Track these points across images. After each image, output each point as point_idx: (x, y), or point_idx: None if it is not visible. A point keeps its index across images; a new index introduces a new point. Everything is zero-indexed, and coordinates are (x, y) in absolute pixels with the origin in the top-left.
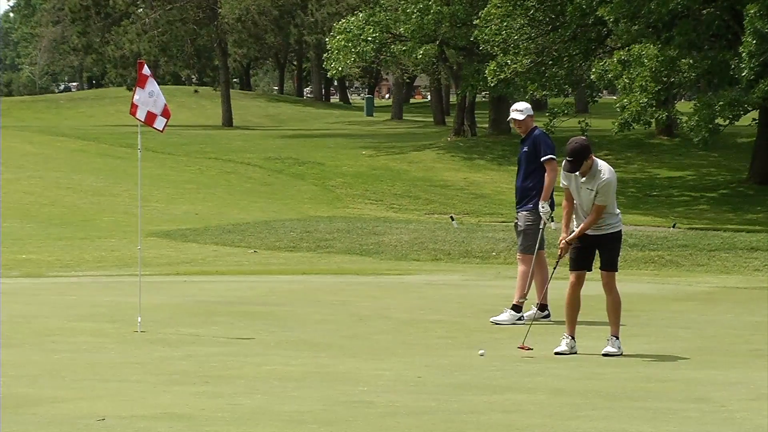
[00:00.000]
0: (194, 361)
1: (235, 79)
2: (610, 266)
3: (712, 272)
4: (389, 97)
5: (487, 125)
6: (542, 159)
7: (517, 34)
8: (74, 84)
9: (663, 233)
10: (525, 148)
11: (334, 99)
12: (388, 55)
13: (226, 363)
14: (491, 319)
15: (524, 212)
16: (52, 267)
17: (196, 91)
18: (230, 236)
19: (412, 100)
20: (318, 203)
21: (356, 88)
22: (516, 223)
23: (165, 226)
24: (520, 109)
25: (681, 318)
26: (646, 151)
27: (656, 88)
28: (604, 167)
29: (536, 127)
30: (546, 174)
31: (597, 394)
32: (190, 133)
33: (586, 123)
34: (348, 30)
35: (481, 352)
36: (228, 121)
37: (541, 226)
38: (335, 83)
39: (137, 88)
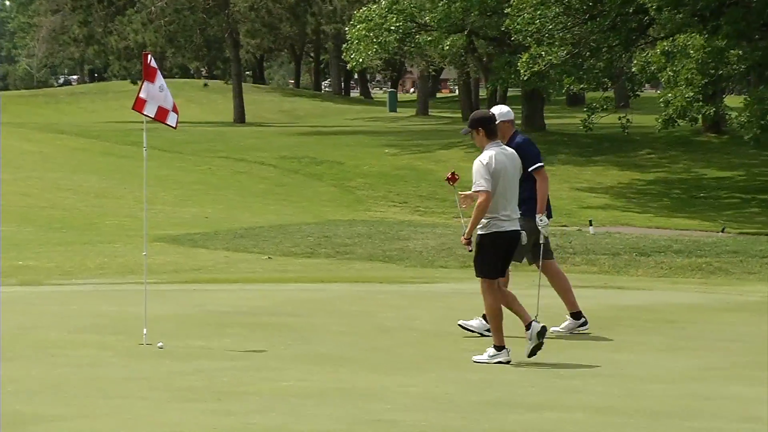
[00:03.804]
0: (204, 376)
1: (247, 72)
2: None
3: (764, 280)
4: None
5: (519, 121)
6: (530, 169)
7: (551, 24)
8: (75, 77)
9: (711, 238)
10: None
11: (355, 93)
12: (413, 45)
13: (239, 378)
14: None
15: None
16: (52, 274)
17: (205, 84)
18: (242, 241)
19: (438, 95)
20: (337, 206)
21: (378, 81)
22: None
23: (172, 231)
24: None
25: (731, 330)
26: (692, 150)
27: (703, 82)
28: (487, 151)
29: (517, 132)
30: (538, 184)
31: (641, 412)
32: (199, 130)
33: (627, 119)
34: (369, 19)
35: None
36: (240, 117)
37: (542, 241)
38: (355, 76)
39: (145, 82)
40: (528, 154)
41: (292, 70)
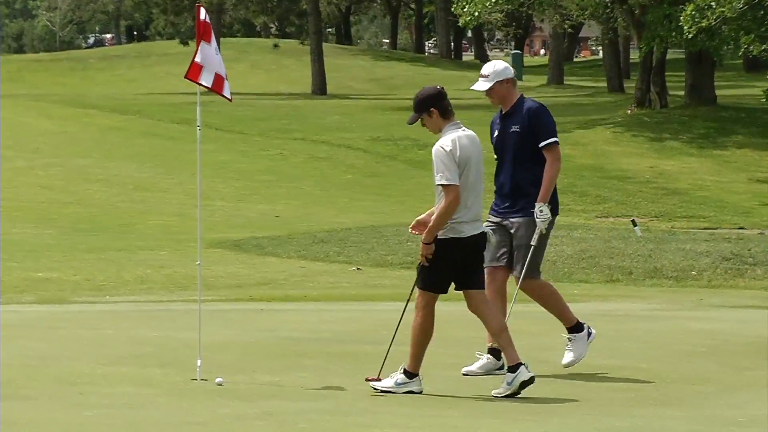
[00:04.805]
0: (275, 421)
1: (329, 29)
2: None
3: None
4: (545, 54)
5: (682, 93)
6: (542, 144)
7: None
8: (108, 36)
9: None
10: (514, 127)
11: (468, 56)
12: None
13: (319, 424)
14: (464, 370)
15: (526, 219)
16: (80, 289)
17: (276, 45)
18: (323, 248)
19: (576, 58)
20: None
21: (498, 41)
22: (492, 231)
23: (233, 234)
24: (485, 74)
25: None
26: None
27: None
28: (448, 135)
29: (523, 95)
30: (547, 164)
31: None
32: (267, 103)
33: None
34: None
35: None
36: (320, 88)
37: (533, 242)
38: (469, 34)
39: (201, 42)
40: (541, 124)
41: (387, 27)
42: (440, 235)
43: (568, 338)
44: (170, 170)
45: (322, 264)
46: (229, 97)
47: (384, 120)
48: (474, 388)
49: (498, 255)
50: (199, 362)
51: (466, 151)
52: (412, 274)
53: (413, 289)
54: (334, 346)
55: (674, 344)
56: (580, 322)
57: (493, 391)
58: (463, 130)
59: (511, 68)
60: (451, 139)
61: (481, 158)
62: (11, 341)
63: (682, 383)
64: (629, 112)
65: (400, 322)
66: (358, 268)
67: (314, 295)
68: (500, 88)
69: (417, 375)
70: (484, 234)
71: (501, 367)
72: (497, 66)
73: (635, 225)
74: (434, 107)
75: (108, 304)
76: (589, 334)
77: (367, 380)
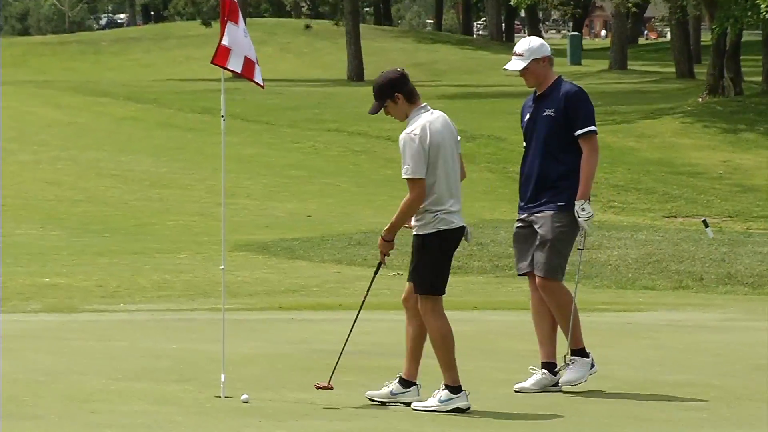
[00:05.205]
0: None
1: (366, 9)
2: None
3: None
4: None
5: (759, 79)
6: (579, 133)
7: None
8: (122, 17)
9: None
10: (547, 111)
11: (521, 38)
12: None
13: None
14: (516, 387)
15: (550, 213)
16: (91, 297)
17: (308, 27)
18: (360, 251)
19: (641, 41)
20: (496, 199)
21: (555, 22)
22: (521, 229)
23: (261, 235)
24: (519, 52)
25: None
26: None
27: None
28: (416, 121)
29: (561, 77)
30: (585, 156)
31: None
32: (299, 91)
33: None
34: None
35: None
36: (357, 73)
37: (579, 238)
38: (522, 14)
39: (228, 23)
40: (579, 109)
41: (431, 6)
42: (430, 229)
43: (570, 359)
44: (191, 165)
45: (358, 269)
46: (261, 83)
47: None
48: (528, 407)
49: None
50: (222, 377)
51: (437, 137)
52: (460, 281)
53: (371, 283)
54: (373, 359)
55: (750, 358)
56: (587, 350)
57: (414, 404)
58: (432, 113)
59: (548, 46)
60: (420, 125)
61: (455, 141)
62: (16, 354)
63: (758, 401)
64: (700, 100)
65: (351, 329)
66: (398, 273)
67: (350, 303)
68: (536, 67)
69: (461, 388)
70: (465, 228)
71: (557, 383)
72: (533, 43)
73: (707, 226)
74: (399, 92)
75: (122, 313)
76: (593, 365)
77: (316, 387)
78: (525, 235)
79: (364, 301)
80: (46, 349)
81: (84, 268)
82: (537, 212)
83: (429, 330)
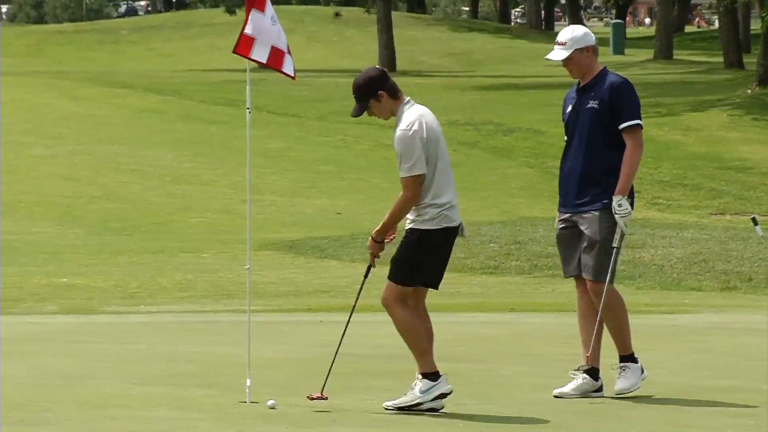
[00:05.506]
0: None
1: None
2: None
3: None
4: (651, 24)
5: None
6: (623, 126)
7: None
8: (142, 4)
9: None
10: (591, 103)
11: (561, 27)
12: None
13: None
14: (556, 392)
15: (596, 213)
16: (110, 298)
17: (337, 14)
18: (392, 250)
19: (688, 29)
20: (534, 195)
21: (597, 9)
22: (565, 230)
23: (288, 233)
24: (562, 41)
25: None
26: None
27: None
28: (407, 116)
29: (606, 68)
30: (628, 150)
31: None
32: (327, 82)
33: None
34: None
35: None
36: (389, 64)
37: (615, 244)
38: (562, 1)
39: (252, 10)
40: (624, 102)
41: None
42: (433, 225)
43: (621, 366)
44: (214, 159)
45: None
46: (292, 74)
47: (463, 101)
48: (567, 413)
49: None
50: (248, 382)
51: (433, 132)
52: (497, 281)
53: (361, 287)
54: (404, 363)
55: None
56: (636, 356)
57: (386, 404)
58: (418, 106)
59: (592, 35)
60: (415, 120)
61: (441, 131)
62: (31, 357)
63: None
64: (749, 91)
65: (344, 334)
66: None
67: (379, 306)
68: (580, 57)
69: (439, 373)
70: (461, 223)
71: (599, 389)
72: (576, 32)
73: (756, 224)
74: (382, 89)
75: (142, 315)
76: (643, 370)
77: (309, 398)
78: (570, 237)
79: (354, 306)
80: (62, 353)
81: (102, 268)
82: (582, 212)
83: (395, 320)
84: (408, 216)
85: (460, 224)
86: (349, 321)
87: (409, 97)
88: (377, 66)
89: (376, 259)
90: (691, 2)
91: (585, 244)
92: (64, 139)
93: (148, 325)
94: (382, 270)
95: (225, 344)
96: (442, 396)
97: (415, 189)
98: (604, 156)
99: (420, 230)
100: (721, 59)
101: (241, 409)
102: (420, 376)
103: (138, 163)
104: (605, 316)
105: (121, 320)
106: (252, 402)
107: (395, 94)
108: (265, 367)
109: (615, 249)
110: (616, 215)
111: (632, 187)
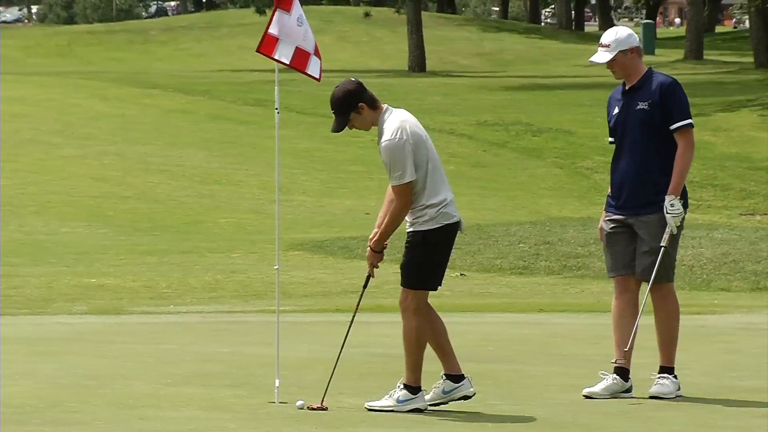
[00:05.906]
0: None
1: None
2: (401, 279)
3: None
4: (681, 24)
5: None
6: (675, 126)
7: None
8: (172, 4)
9: None
10: (641, 104)
11: (591, 27)
12: None
13: None
14: (585, 391)
15: (655, 216)
16: (139, 298)
17: (367, 14)
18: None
19: (718, 29)
20: (563, 196)
21: (627, 9)
22: (617, 230)
23: (317, 234)
24: (606, 43)
25: None
26: None
27: None
28: (389, 125)
29: (652, 68)
30: (680, 151)
31: None
32: None
33: None
34: None
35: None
36: (419, 64)
37: (663, 243)
38: (593, 2)
39: (277, 11)
40: (676, 102)
41: None
42: (433, 224)
43: (660, 376)
44: (243, 160)
45: None
46: (317, 76)
47: (492, 101)
48: (596, 414)
49: (629, 260)
50: (277, 383)
51: (417, 134)
52: (526, 282)
53: (360, 297)
54: (433, 364)
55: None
56: (675, 373)
57: (368, 404)
58: (397, 112)
59: (636, 36)
60: (398, 128)
61: (424, 131)
62: (60, 357)
63: None
64: None
65: (345, 338)
66: (461, 274)
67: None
68: (624, 58)
69: (420, 389)
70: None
71: (629, 389)
72: (620, 33)
73: None
74: (361, 101)
75: (172, 315)
76: (679, 387)
77: (310, 408)
78: (623, 238)
79: (354, 315)
80: (92, 353)
81: (132, 268)
82: (640, 215)
83: (407, 327)
84: (407, 219)
85: (459, 220)
86: (349, 330)
87: (386, 105)
88: (352, 78)
89: (375, 269)
90: (722, 2)
91: (645, 249)
92: (93, 140)
93: (177, 326)
94: (380, 273)
95: (254, 344)
96: (418, 411)
97: (408, 196)
98: (658, 157)
99: (422, 231)
100: (752, 59)
101: (269, 410)
102: (401, 385)
103: (167, 163)
104: (663, 320)
105: (151, 320)
106: (281, 402)
107: (374, 104)
108: (294, 368)
109: (663, 248)
110: (667, 215)
111: (685, 187)
